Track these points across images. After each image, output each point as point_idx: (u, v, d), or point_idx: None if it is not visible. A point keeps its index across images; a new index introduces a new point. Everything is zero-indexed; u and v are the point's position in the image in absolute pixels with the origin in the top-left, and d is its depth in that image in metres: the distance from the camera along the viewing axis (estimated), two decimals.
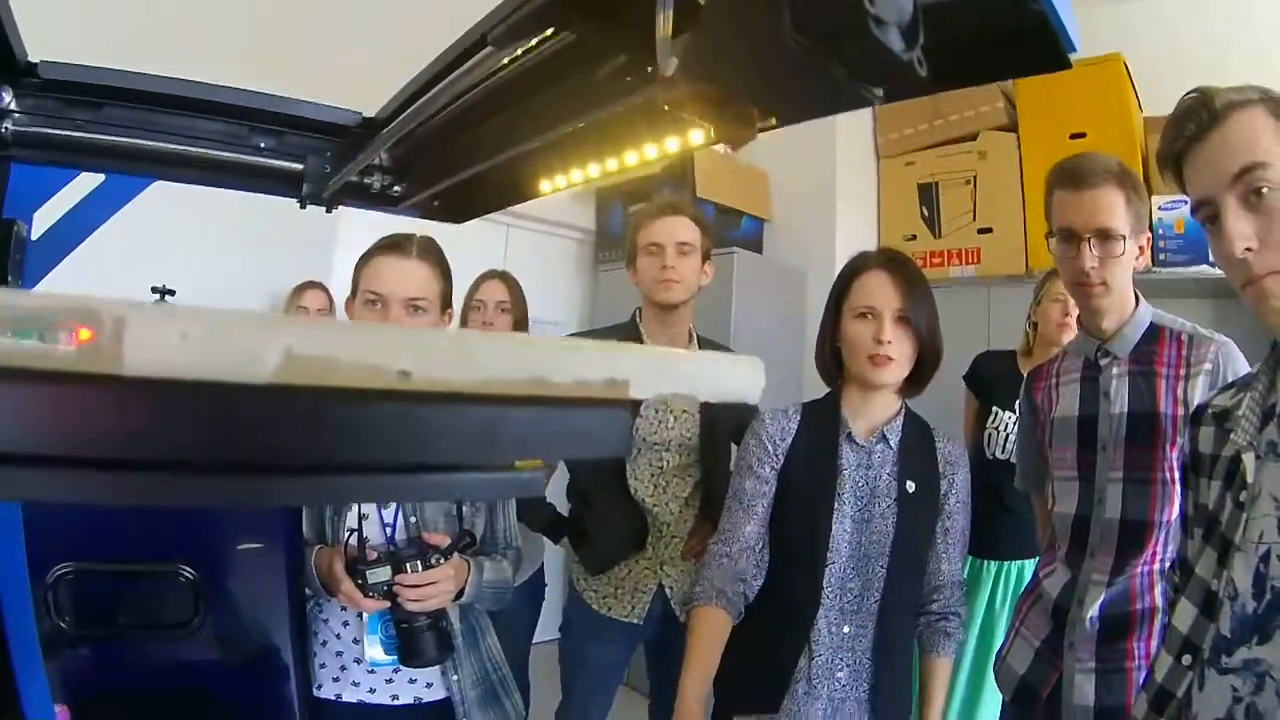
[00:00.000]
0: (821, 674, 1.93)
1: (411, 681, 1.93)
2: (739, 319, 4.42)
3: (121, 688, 1.79)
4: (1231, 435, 1.29)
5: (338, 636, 1.93)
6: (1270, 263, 1.16)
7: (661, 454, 2.57)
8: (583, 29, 0.73)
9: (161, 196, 1.56)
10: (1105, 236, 1.85)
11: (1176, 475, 1.81)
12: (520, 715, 2.10)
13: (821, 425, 2.02)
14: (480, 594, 1.94)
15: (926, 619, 2.05)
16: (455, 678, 1.93)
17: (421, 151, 1.34)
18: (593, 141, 1.08)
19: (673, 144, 1.02)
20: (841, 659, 1.93)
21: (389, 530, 1.91)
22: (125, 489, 0.42)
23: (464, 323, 3.22)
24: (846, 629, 1.93)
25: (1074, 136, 4.24)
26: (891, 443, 2.00)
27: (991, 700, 3.01)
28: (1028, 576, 2.97)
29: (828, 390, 2.11)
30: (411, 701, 1.92)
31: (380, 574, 1.77)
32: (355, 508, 1.87)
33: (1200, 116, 1.23)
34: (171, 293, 3.02)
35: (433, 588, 1.80)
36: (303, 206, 1.46)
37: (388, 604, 1.79)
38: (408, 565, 1.79)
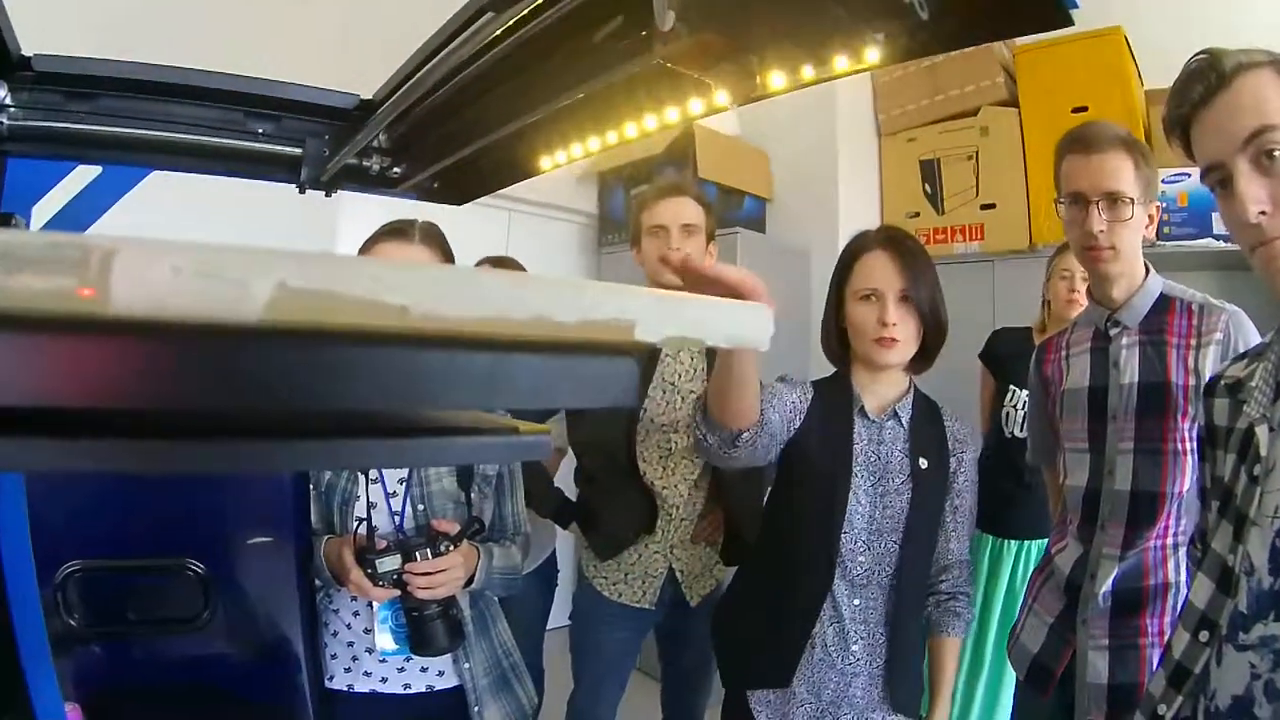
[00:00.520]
0: (835, 646, 1.93)
1: (423, 670, 1.92)
2: None
3: (132, 684, 1.79)
4: (1245, 407, 1.27)
5: (348, 627, 1.92)
6: None
7: (670, 435, 2.55)
8: None
9: (159, 187, 1.55)
10: (1114, 200, 1.84)
11: (1188, 446, 1.80)
12: (533, 702, 2.09)
13: (834, 400, 2.01)
14: (490, 581, 1.94)
15: (935, 598, 2.04)
16: (467, 665, 1.93)
17: (420, 131, 1.33)
18: (592, 113, 1.07)
19: (673, 113, 1.01)
20: (856, 632, 1.93)
21: (398, 519, 1.90)
22: (105, 455, 0.42)
23: None
24: (857, 602, 1.93)
25: (1075, 110, 4.19)
26: (903, 420, 1.99)
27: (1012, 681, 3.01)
28: None
29: (835, 371, 2.10)
30: (423, 690, 1.92)
31: (390, 563, 1.76)
32: (364, 496, 1.86)
33: (1208, 79, 1.21)
34: None
35: (443, 575, 1.79)
36: (301, 191, 1.46)
37: (398, 592, 1.78)
38: (417, 553, 1.78)
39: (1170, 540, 1.86)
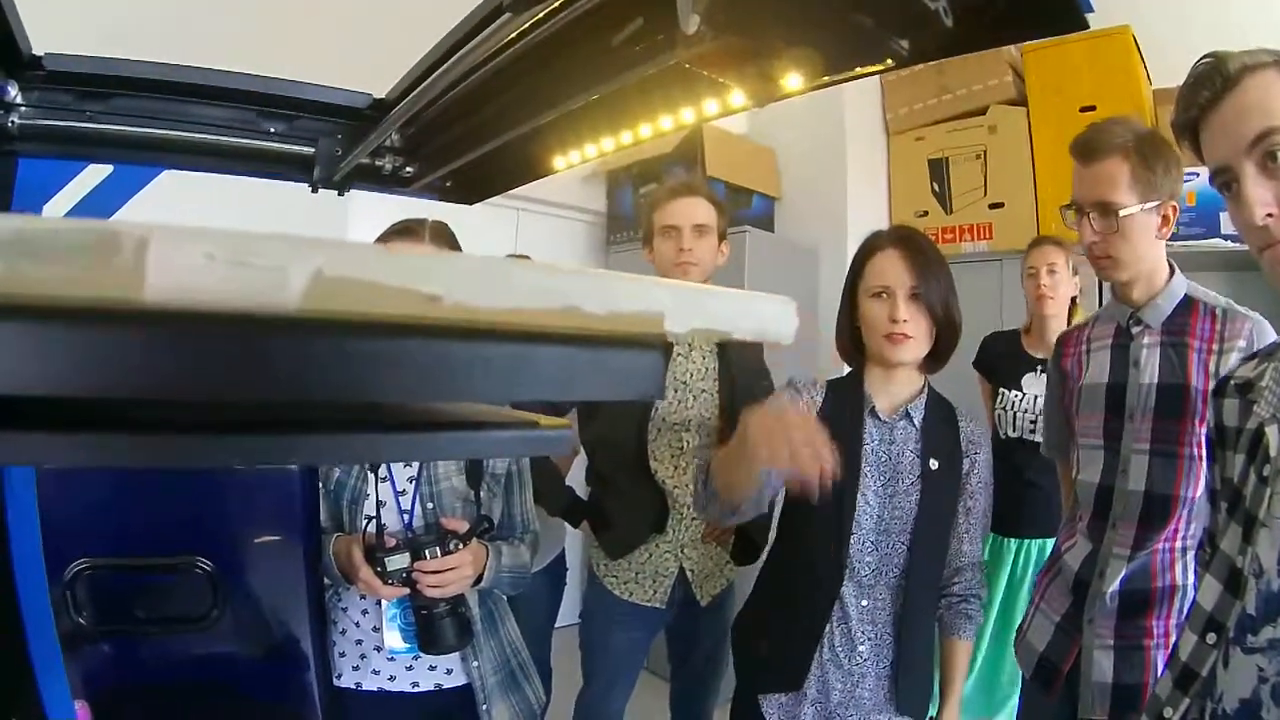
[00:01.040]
0: (842, 646, 1.93)
1: (431, 668, 1.92)
2: None
3: (141, 683, 1.79)
4: (1255, 407, 1.27)
5: (357, 625, 1.92)
6: None
7: (681, 434, 2.55)
8: None
9: (167, 186, 1.55)
10: (1104, 211, 1.84)
11: (1204, 451, 1.79)
12: (541, 701, 2.10)
13: (845, 400, 2.01)
14: (499, 579, 1.94)
15: (948, 600, 2.04)
16: (475, 664, 1.93)
17: (433, 131, 1.33)
18: (607, 114, 1.07)
19: (688, 114, 1.01)
20: (863, 632, 1.93)
21: (407, 517, 1.90)
22: (120, 449, 0.42)
23: None
24: (865, 602, 1.93)
25: (1084, 110, 4.20)
26: (915, 420, 1.99)
27: (1014, 678, 3.02)
28: (1046, 556, 3.01)
29: (849, 370, 2.10)
30: (432, 689, 1.92)
31: (399, 561, 1.77)
32: (373, 494, 1.87)
33: (1214, 82, 1.20)
34: None
35: (452, 573, 1.80)
36: (314, 190, 1.46)
37: (406, 591, 1.79)
38: (426, 551, 1.78)
39: (1179, 543, 1.85)
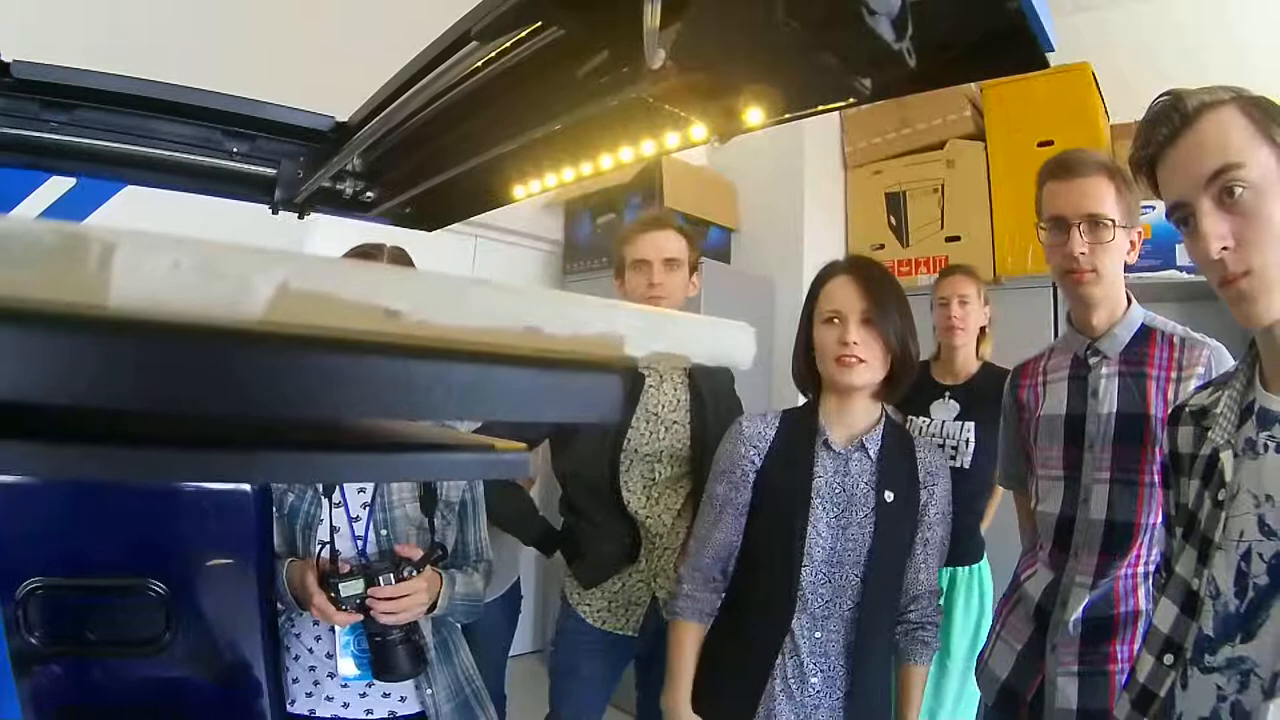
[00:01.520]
0: (794, 679, 1.93)
1: (385, 695, 1.90)
2: None
3: (92, 705, 1.76)
4: (1209, 433, 1.30)
5: (310, 651, 1.90)
6: (1246, 261, 1.16)
7: (653, 465, 2.55)
8: (569, 23, 0.73)
9: (127, 201, 1.54)
10: (1095, 223, 1.86)
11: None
12: None
13: (798, 431, 2.02)
14: (453, 607, 1.93)
15: (904, 628, 2.04)
16: (429, 692, 1.91)
17: (395, 156, 1.33)
18: (568, 145, 1.07)
19: (649, 146, 1.02)
20: (815, 664, 1.93)
21: (361, 543, 1.89)
22: (75, 460, 0.41)
23: None
24: (818, 634, 1.93)
25: (1041, 144, 4.27)
26: (870, 452, 1.99)
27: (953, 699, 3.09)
28: (960, 582, 3.12)
29: (805, 400, 2.11)
30: (385, 716, 1.90)
31: (353, 587, 1.75)
32: (327, 519, 1.85)
33: (1172, 119, 1.23)
34: None
35: (406, 600, 1.79)
36: (275, 212, 1.45)
37: (361, 617, 1.78)
38: (380, 578, 1.77)
39: (1141, 569, 1.88)
